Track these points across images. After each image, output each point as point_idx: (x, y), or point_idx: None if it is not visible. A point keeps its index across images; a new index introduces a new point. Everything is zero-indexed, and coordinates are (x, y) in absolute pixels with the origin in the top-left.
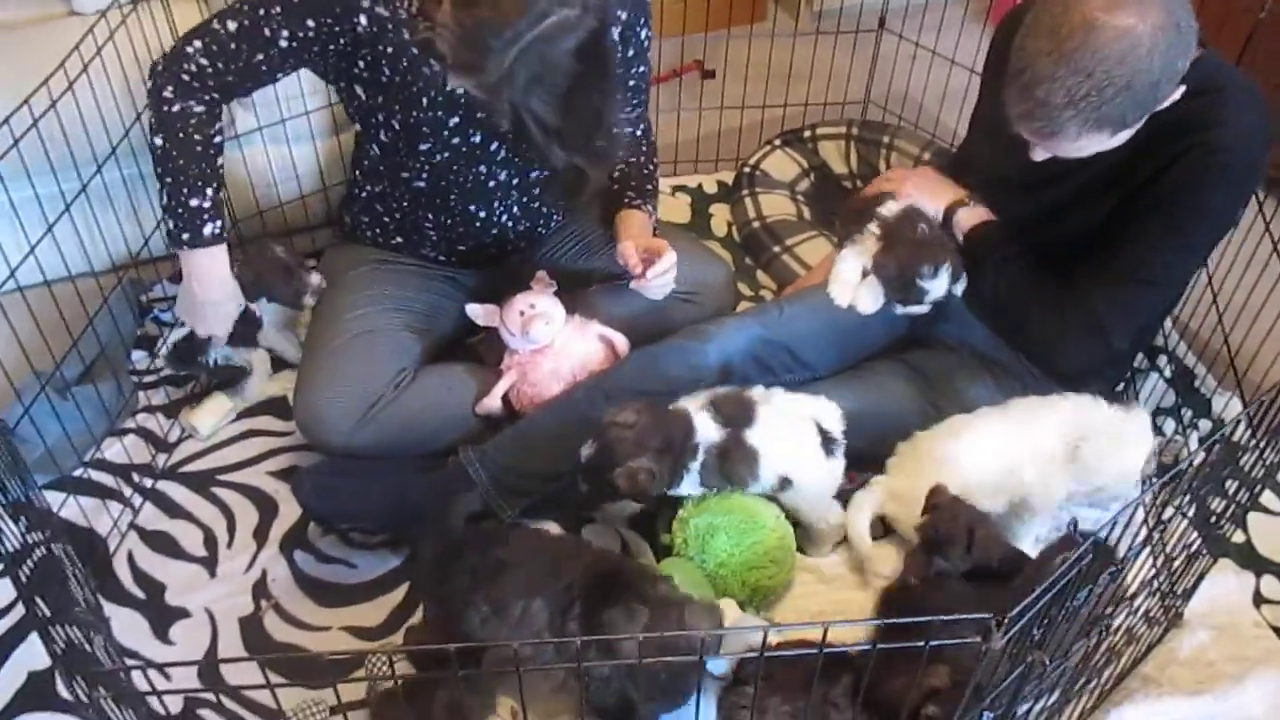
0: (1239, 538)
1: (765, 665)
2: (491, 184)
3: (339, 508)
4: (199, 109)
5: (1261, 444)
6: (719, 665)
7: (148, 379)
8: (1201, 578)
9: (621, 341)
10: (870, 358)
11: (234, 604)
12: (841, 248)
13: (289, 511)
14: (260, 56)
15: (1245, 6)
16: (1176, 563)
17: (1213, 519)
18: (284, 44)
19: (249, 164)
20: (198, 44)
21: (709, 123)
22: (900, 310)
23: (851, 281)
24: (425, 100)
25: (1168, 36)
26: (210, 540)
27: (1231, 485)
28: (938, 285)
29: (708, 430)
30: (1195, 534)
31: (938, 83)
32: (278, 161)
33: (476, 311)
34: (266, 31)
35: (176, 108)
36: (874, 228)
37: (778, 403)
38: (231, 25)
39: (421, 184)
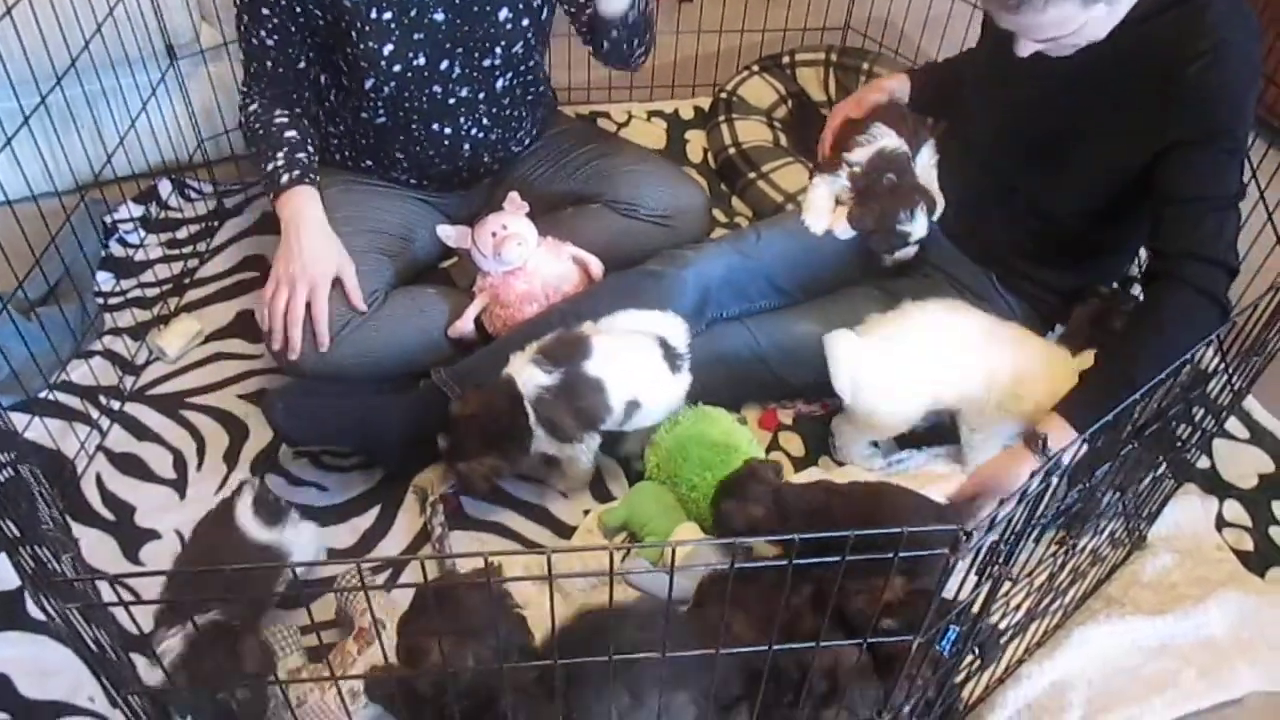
0: (1204, 463)
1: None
2: (452, 101)
3: (311, 429)
4: (254, 107)
5: (1229, 370)
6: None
7: (114, 300)
8: (1166, 501)
9: (595, 264)
10: (847, 283)
11: None
12: (813, 176)
13: (259, 435)
14: (275, 58)
15: None
16: (1142, 485)
17: (1179, 444)
18: (271, 40)
19: (215, 81)
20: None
21: (686, 47)
22: (889, 259)
23: (826, 209)
24: (354, 34)
25: None
26: (180, 463)
27: (1198, 412)
28: (917, 226)
29: (536, 379)
30: (1160, 458)
31: (919, 9)
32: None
33: (448, 233)
34: (255, 38)
35: (252, 108)
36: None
37: (619, 325)
38: (246, 46)
39: (382, 119)
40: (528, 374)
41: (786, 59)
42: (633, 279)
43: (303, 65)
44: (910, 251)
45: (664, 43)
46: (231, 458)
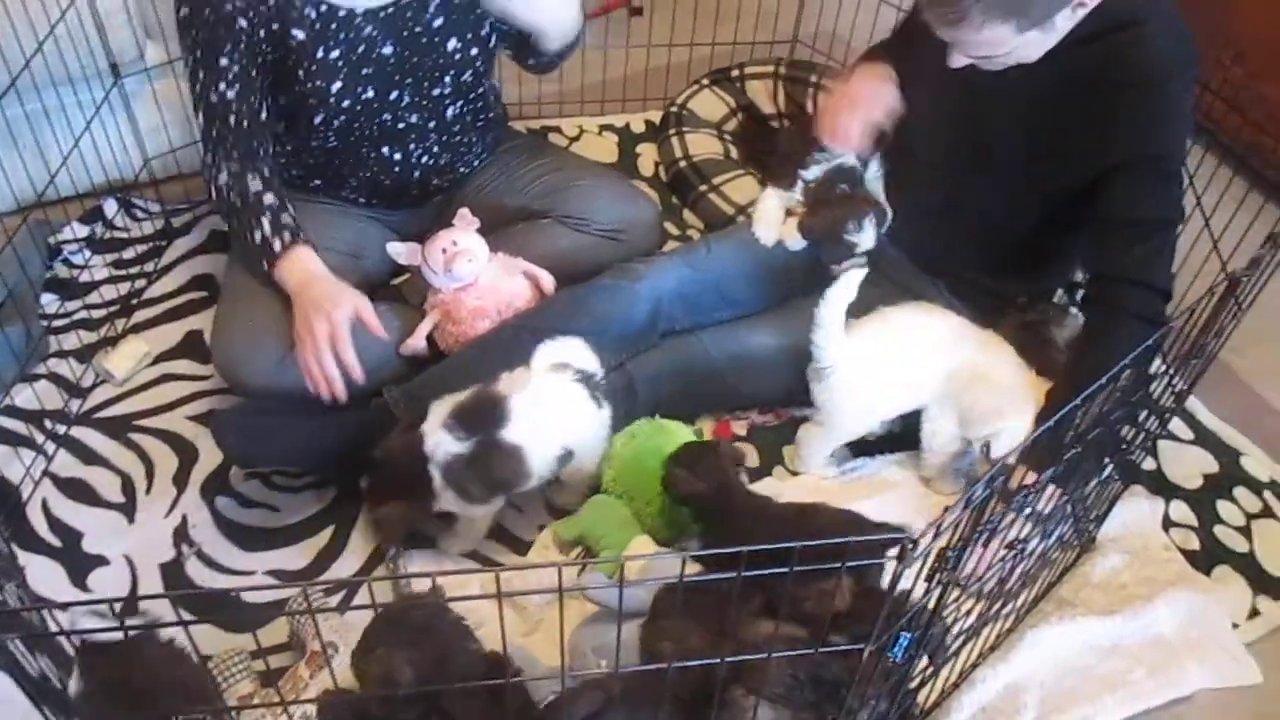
0: (1150, 465)
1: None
2: (401, 126)
3: (261, 450)
4: (224, 177)
5: (1170, 372)
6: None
7: (59, 323)
8: (1114, 503)
9: (547, 279)
10: (798, 294)
11: (154, 551)
12: (764, 187)
13: (209, 456)
14: (238, 110)
15: None
16: (1089, 488)
17: (1124, 446)
18: (232, 92)
19: (160, 99)
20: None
21: (636, 61)
22: (837, 270)
23: (776, 220)
24: (301, 73)
25: None
26: (128, 486)
27: (1143, 414)
28: (865, 237)
29: (446, 446)
30: (1106, 461)
31: (866, 21)
32: (190, 96)
33: (398, 250)
34: (215, 93)
35: (222, 179)
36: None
37: (536, 380)
38: (205, 106)
39: (332, 144)
40: (437, 439)
41: (736, 72)
42: (585, 293)
43: (264, 116)
44: (857, 264)
45: (615, 57)
46: (181, 480)
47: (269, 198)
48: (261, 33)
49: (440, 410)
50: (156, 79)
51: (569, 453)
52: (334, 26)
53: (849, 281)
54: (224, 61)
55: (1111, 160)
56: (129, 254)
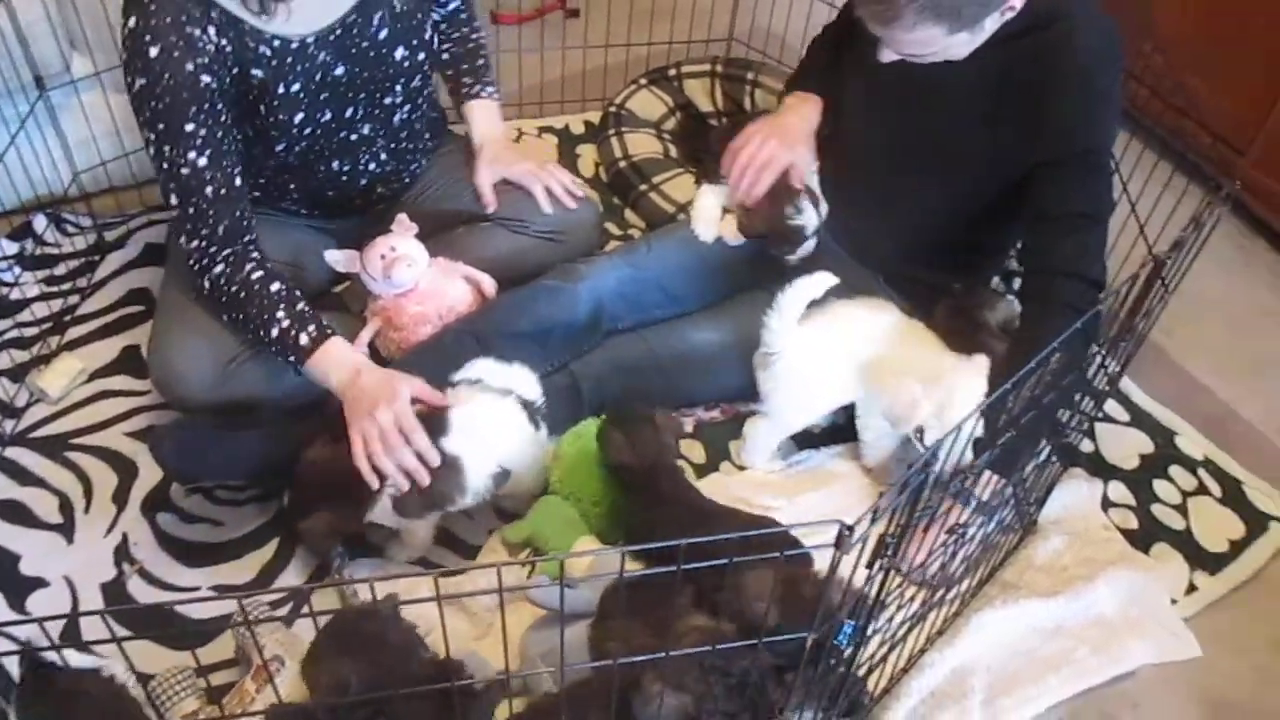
0: (1088, 447)
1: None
2: (354, 138)
3: (201, 465)
4: (218, 269)
5: (1103, 355)
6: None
7: None
8: (1053, 486)
9: (489, 283)
10: (740, 290)
11: (95, 571)
12: (700, 184)
13: (149, 473)
14: (213, 179)
15: None
16: (1028, 472)
17: (1061, 429)
18: (204, 159)
19: (89, 111)
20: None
21: (574, 63)
22: (793, 259)
23: (714, 217)
24: (263, 108)
25: None
26: (66, 506)
27: (1079, 398)
28: (808, 217)
29: None
30: (1047, 444)
31: (799, 18)
32: (120, 108)
33: (336, 258)
34: (185, 165)
35: (216, 270)
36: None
37: (476, 394)
38: (177, 182)
39: (290, 163)
40: None
41: (673, 71)
42: (526, 296)
43: (239, 181)
44: (810, 246)
45: (552, 59)
46: (121, 498)
47: (275, 285)
48: (226, 82)
49: None
50: (83, 91)
51: (505, 472)
52: (290, 60)
53: (819, 281)
54: (190, 127)
55: (1042, 155)
56: (61, 270)
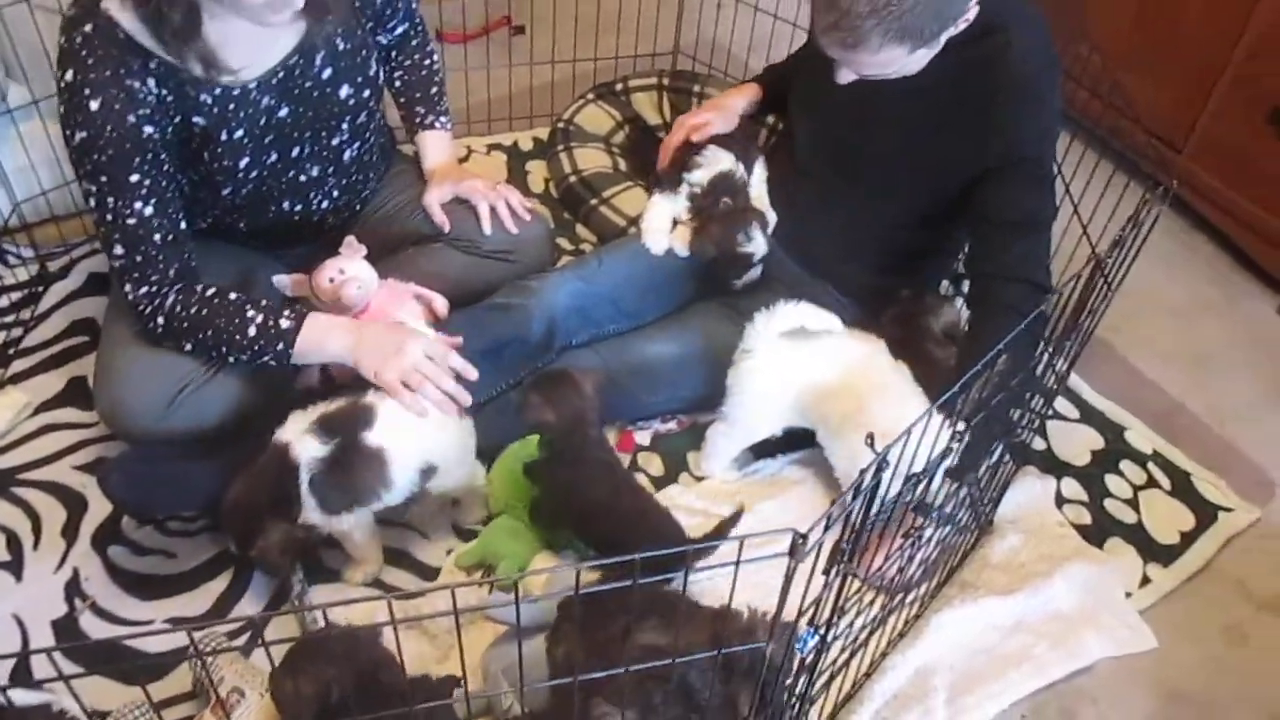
0: (1040, 445)
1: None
2: (303, 179)
3: (152, 498)
4: (170, 302)
5: (1050, 354)
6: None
7: None
8: (1008, 485)
9: (440, 302)
10: (691, 301)
11: (45, 608)
12: (651, 195)
13: (99, 506)
14: (160, 226)
15: None
16: (981, 470)
17: (1013, 429)
18: (150, 208)
19: (27, 140)
20: (119, 251)
21: (521, 79)
22: (738, 284)
23: (664, 229)
24: (207, 155)
25: None
26: (14, 543)
27: (1029, 396)
28: (757, 245)
29: (310, 450)
30: (1000, 444)
31: (744, 30)
32: (59, 137)
33: (284, 283)
34: (132, 215)
35: (169, 304)
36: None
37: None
38: (123, 233)
39: (238, 204)
40: (303, 444)
41: (620, 86)
42: (478, 314)
43: (184, 225)
44: (756, 273)
45: (499, 76)
46: (70, 533)
47: (233, 294)
48: (169, 131)
49: (302, 417)
50: (21, 121)
51: (431, 467)
52: (233, 106)
53: (823, 319)
54: (135, 178)
55: (986, 162)
56: (3, 302)
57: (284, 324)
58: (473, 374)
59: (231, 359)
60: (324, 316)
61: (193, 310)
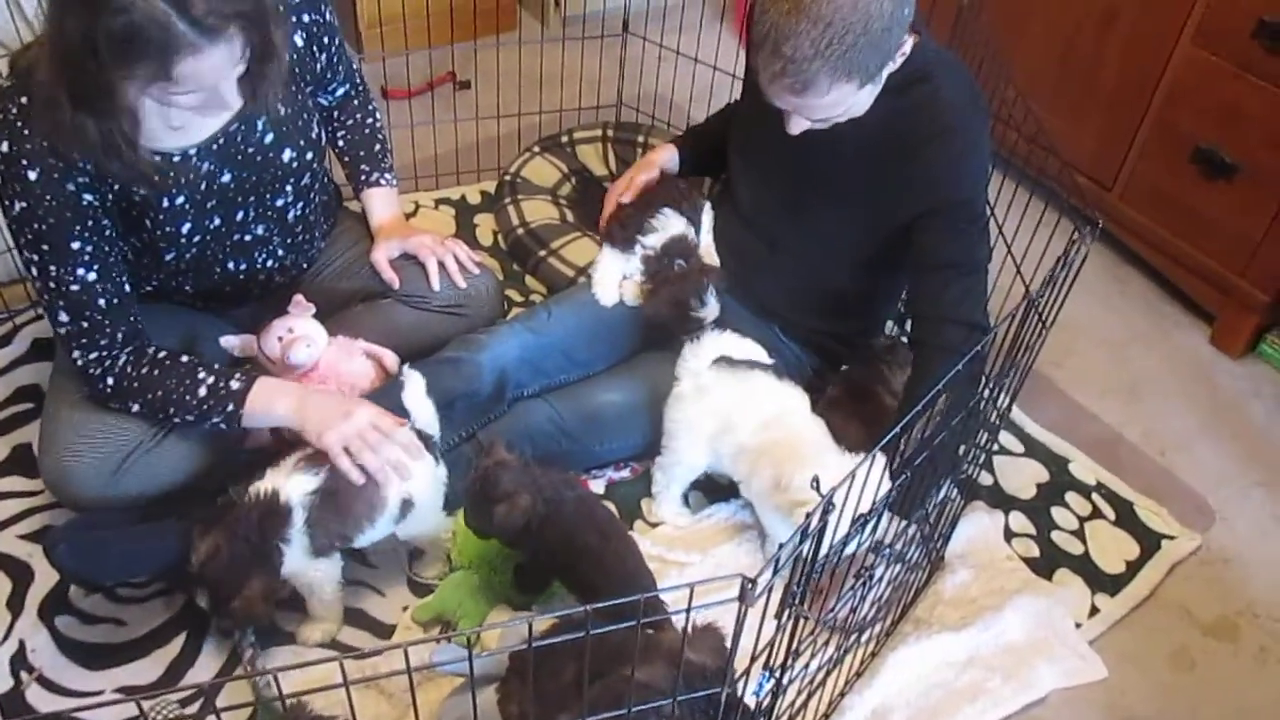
0: (986, 480)
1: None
2: (248, 239)
3: (99, 566)
4: (121, 364)
5: (992, 388)
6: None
7: None
8: (956, 521)
9: (390, 358)
10: (641, 350)
11: None
12: (602, 248)
13: (46, 575)
14: (104, 291)
15: None
16: (929, 508)
17: (959, 465)
18: (93, 273)
19: None
20: (69, 329)
21: (467, 134)
22: (690, 345)
23: (614, 281)
24: (149, 222)
25: None
26: None
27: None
28: (710, 309)
29: (303, 485)
30: (946, 481)
31: (685, 81)
32: (41, 296)
33: (232, 343)
34: (74, 281)
35: (120, 366)
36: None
37: None
38: (67, 300)
39: (181, 268)
40: (294, 483)
41: (566, 138)
42: (430, 369)
43: (128, 288)
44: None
45: (445, 131)
46: (16, 604)
47: (184, 356)
48: (109, 199)
49: (282, 466)
50: None
51: (409, 502)
52: (173, 174)
53: (747, 348)
54: (76, 245)
55: (919, 207)
56: None
57: (234, 385)
58: (418, 450)
59: (178, 419)
60: (272, 381)
61: (143, 371)
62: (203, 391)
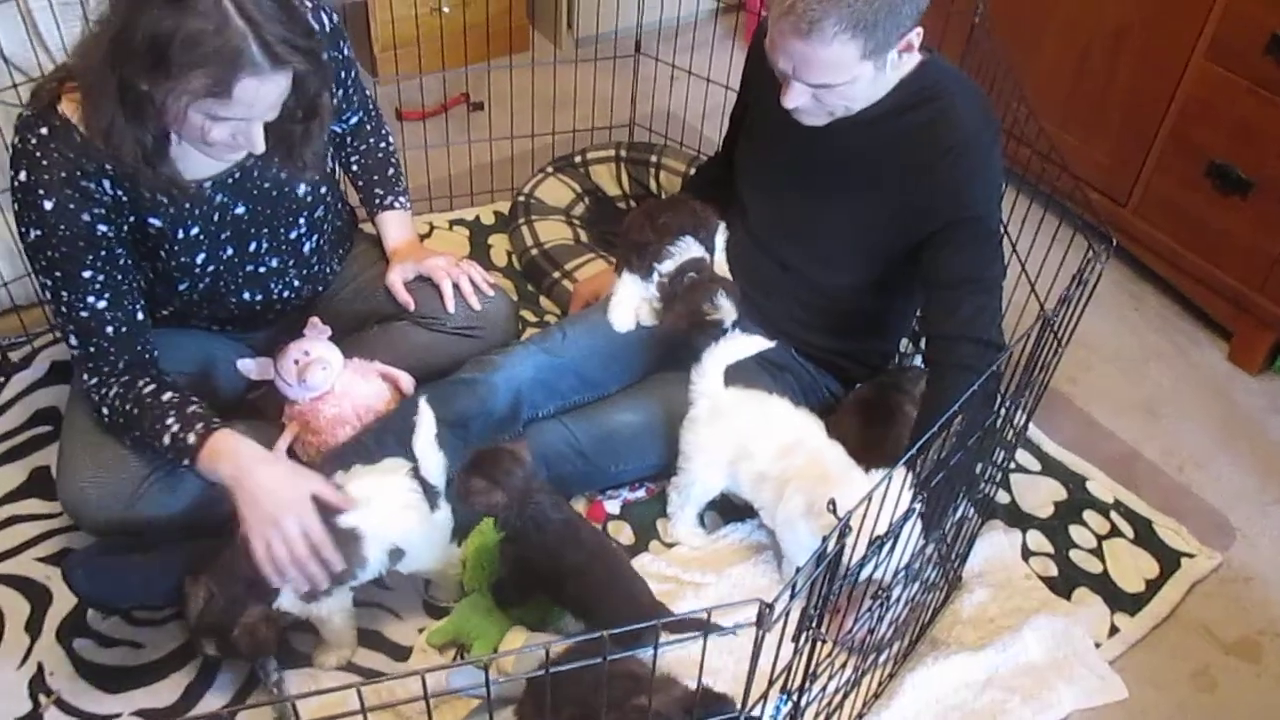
0: (1004, 498)
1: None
2: (262, 270)
3: (117, 590)
4: (114, 392)
5: (1007, 406)
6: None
7: None
8: (973, 540)
9: (406, 380)
10: (655, 371)
11: (9, 706)
12: (619, 273)
13: (64, 598)
14: (113, 319)
15: (961, 9)
16: (947, 528)
17: (976, 483)
18: (103, 301)
19: None
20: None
21: (481, 154)
22: (707, 354)
23: (631, 307)
24: (163, 253)
25: None
26: None
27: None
28: (725, 310)
29: None
30: (963, 500)
31: (697, 100)
32: (54, 318)
33: (249, 366)
34: (84, 309)
35: (112, 394)
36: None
37: (372, 475)
38: (76, 325)
39: (195, 299)
40: None
41: (579, 158)
42: (445, 390)
43: (141, 316)
44: (731, 344)
45: (458, 152)
46: (35, 627)
47: (168, 395)
48: (124, 230)
49: None
50: None
51: (399, 550)
52: (188, 206)
53: (749, 343)
54: (88, 274)
55: (934, 225)
56: None
57: (190, 439)
58: (337, 565)
59: (160, 459)
60: (225, 441)
61: (127, 408)
62: (166, 439)
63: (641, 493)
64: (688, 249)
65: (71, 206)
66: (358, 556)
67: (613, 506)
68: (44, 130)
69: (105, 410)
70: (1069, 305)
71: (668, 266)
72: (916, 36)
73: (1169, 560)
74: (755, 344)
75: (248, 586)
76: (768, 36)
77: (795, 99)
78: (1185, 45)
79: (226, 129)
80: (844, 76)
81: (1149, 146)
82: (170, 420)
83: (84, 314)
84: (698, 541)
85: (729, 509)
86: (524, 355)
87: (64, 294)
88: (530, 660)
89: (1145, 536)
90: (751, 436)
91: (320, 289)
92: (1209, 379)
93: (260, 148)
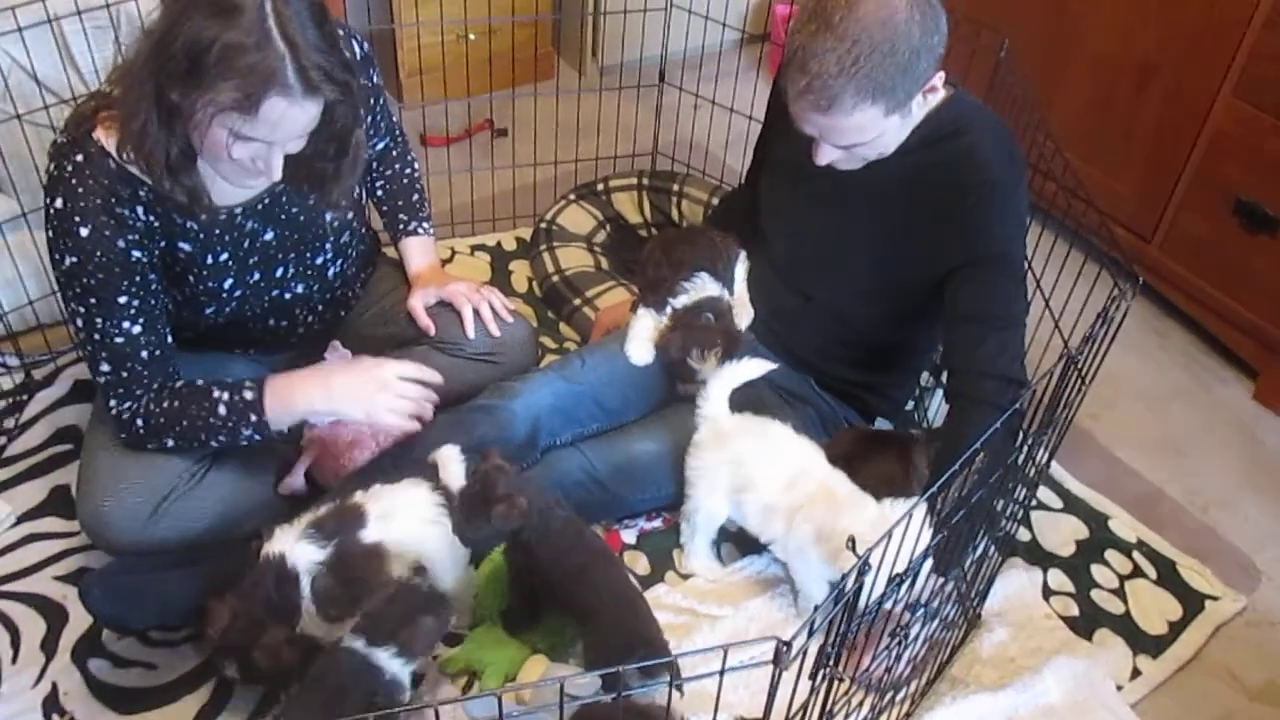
0: (1025, 536)
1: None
2: (288, 297)
3: (133, 611)
4: (146, 400)
5: (1030, 444)
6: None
7: None
8: (993, 578)
9: (432, 373)
10: (673, 400)
11: None
12: (636, 307)
13: (80, 617)
14: (147, 343)
15: (986, 45)
16: (966, 565)
17: (996, 521)
18: (138, 326)
19: (15, 251)
20: (109, 378)
21: (503, 181)
22: (680, 388)
23: (648, 340)
24: (192, 278)
25: (920, 8)
26: None
27: (1016, 488)
28: (706, 368)
29: (309, 554)
30: (983, 537)
31: (720, 130)
32: (46, 247)
33: (296, 485)
34: (119, 334)
35: (147, 405)
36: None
37: (391, 492)
38: (110, 351)
39: (221, 323)
40: (301, 551)
41: (601, 186)
42: (463, 415)
43: (170, 339)
44: (695, 389)
45: (482, 178)
46: (50, 646)
47: (199, 380)
48: (155, 255)
49: (291, 528)
50: (9, 232)
51: (421, 567)
52: (218, 231)
53: (752, 367)
54: (124, 299)
55: (956, 260)
56: None
57: (247, 395)
58: (437, 379)
59: (215, 443)
60: (283, 376)
61: (165, 404)
62: (222, 410)
63: (658, 522)
64: (703, 286)
65: (107, 233)
66: (383, 573)
67: (629, 536)
68: (79, 157)
69: (139, 422)
70: (1093, 343)
71: (682, 301)
72: (939, 80)
73: (1192, 602)
74: (759, 367)
75: (271, 608)
76: (789, 108)
77: (827, 157)
78: (1213, 81)
79: (248, 150)
80: (871, 135)
81: (1175, 183)
82: (217, 393)
83: (119, 339)
84: (714, 574)
85: (745, 542)
86: (543, 382)
87: (98, 320)
88: (547, 692)
89: (1168, 577)
90: (754, 464)
91: (343, 313)
92: (1234, 418)
93: (277, 175)
